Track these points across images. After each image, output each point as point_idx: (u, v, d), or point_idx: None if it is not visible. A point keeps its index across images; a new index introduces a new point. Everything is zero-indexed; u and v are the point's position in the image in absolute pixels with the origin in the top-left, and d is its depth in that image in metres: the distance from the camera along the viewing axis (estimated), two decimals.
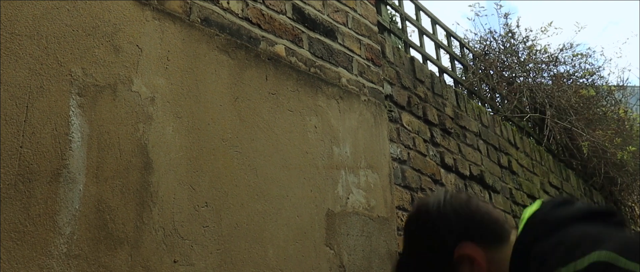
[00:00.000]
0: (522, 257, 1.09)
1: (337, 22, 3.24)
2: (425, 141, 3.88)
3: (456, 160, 4.19)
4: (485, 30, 14.13)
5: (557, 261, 0.95)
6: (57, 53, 1.91)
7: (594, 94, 7.48)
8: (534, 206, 1.18)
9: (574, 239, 0.97)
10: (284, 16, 2.88)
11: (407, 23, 4.63)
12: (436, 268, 1.31)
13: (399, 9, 4.54)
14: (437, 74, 4.67)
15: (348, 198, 2.89)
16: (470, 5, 20.65)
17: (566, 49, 7.67)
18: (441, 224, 1.32)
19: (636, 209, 8.33)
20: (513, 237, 1.27)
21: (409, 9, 4.80)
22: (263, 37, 2.72)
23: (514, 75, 6.72)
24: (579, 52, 7.75)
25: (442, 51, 5.20)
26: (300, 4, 3.01)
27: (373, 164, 3.13)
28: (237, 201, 2.36)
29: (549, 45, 9.54)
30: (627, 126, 8.11)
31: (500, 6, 11.46)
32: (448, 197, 1.36)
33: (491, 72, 6.24)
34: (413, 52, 4.51)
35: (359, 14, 3.46)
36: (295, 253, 2.52)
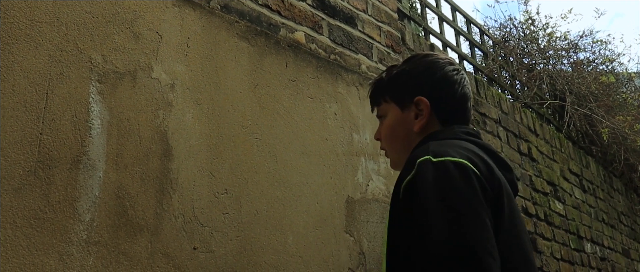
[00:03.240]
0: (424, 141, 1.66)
1: (357, 9, 3.21)
2: None
3: None
4: (505, 17, 14.06)
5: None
6: (77, 40, 1.91)
7: (614, 80, 7.44)
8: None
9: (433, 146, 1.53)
10: (304, 3, 2.86)
11: (427, 10, 4.59)
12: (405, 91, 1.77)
13: None
14: (457, 61, 4.63)
15: (368, 185, 2.87)
16: None
17: (586, 36, 7.62)
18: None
19: None
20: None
21: None
22: (283, 24, 2.70)
23: (533, 62, 6.68)
24: (599, 39, 7.71)
25: (461, 38, 5.17)
26: None
27: None
28: (257, 188, 2.35)
29: (568, 32, 9.49)
30: None
31: None
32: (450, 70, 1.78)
33: (511, 59, 6.20)
34: (433, 39, 4.48)
35: (378, 1, 3.43)
36: (315, 240, 2.52)
